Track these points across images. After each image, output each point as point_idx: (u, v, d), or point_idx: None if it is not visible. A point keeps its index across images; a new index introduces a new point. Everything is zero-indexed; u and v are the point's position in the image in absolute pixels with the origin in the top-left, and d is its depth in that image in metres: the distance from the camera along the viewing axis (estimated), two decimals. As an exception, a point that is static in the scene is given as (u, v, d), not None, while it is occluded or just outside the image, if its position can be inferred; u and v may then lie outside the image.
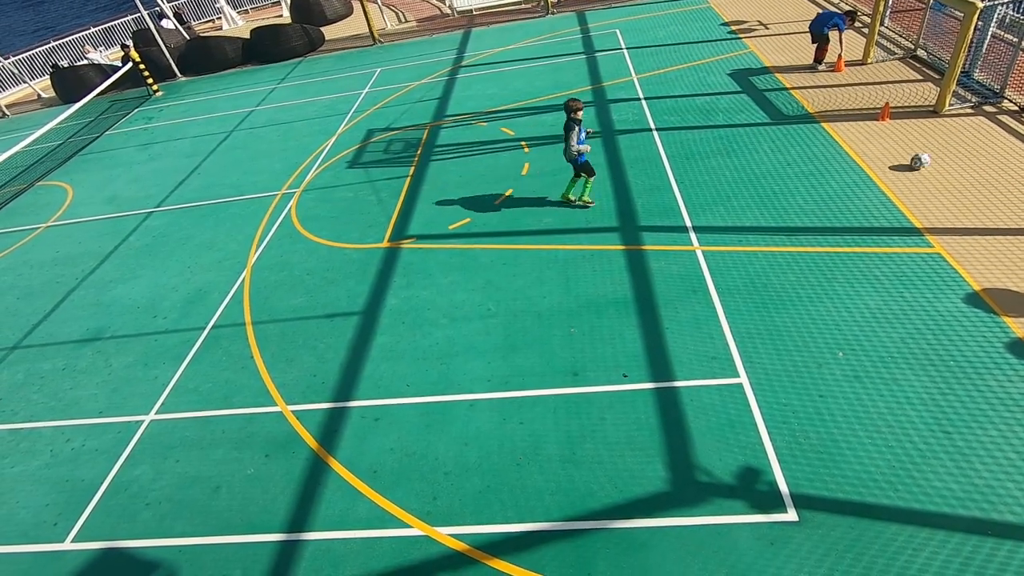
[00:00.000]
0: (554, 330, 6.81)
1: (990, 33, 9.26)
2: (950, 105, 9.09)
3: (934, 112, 9.15)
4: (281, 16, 24.76)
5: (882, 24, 11.81)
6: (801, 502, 4.76)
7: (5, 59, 21.77)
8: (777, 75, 11.25)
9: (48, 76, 20.81)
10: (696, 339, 6.32)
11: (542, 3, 18.25)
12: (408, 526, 5.20)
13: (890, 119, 9.24)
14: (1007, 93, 9.06)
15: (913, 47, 11.03)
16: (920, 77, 10.25)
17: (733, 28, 13.86)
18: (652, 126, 10.45)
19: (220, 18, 25.54)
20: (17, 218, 12.64)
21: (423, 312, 7.47)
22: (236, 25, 25.04)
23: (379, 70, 16.21)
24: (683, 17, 15.25)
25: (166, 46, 19.69)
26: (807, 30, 11.20)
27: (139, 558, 5.45)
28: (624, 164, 9.56)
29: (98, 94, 17.82)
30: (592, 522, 4.94)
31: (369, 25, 18.52)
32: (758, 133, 9.61)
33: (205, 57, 19.73)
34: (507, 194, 9.43)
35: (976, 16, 8.21)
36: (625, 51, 13.82)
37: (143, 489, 6.08)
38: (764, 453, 5.14)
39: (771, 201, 8.07)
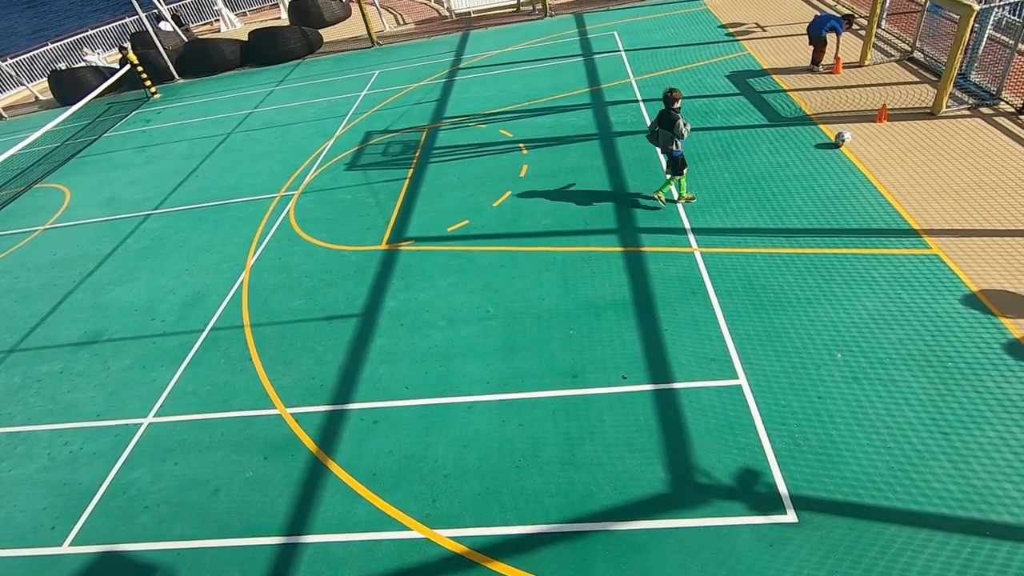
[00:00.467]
0: (553, 332, 6.81)
1: (987, 35, 9.30)
2: (947, 107, 9.12)
3: (931, 114, 9.18)
4: (279, 18, 24.77)
5: (879, 26, 11.85)
6: (800, 503, 4.77)
7: (2, 61, 21.73)
8: (775, 77, 11.28)
9: (46, 78, 20.79)
10: (695, 341, 6.33)
11: (535, 7, 18.30)
12: (407, 528, 5.19)
13: (887, 121, 9.27)
14: (1004, 95, 9.10)
15: (910, 49, 11.07)
16: (917, 79, 10.28)
17: (731, 30, 13.90)
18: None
19: (218, 20, 25.53)
20: (14, 221, 12.61)
21: (422, 314, 7.47)
22: (234, 27, 25.03)
23: (377, 72, 16.22)
24: (681, 20, 15.29)
25: (164, 48, 19.67)
26: (805, 32, 11.24)
27: (137, 561, 5.44)
28: (623, 166, 9.57)
29: (96, 96, 17.80)
30: (591, 524, 4.93)
31: (367, 27, 18.53)
32: (756, 135, 9.64)
33: (203, 59, 19.72)
34: (505, 196, 9.43)
35: (973, 18, 8.24)
36: (623, 53, 13.85)
37: (141, 492, 6.07)
38: (763, 454, 5.15)
39: (769, 203, 8.09)
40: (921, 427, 5.11)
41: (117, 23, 24.94)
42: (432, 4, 22.36)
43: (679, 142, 7.74)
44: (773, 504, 4.80)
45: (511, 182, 9.78)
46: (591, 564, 4.67)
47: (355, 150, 12.07)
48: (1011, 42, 8.80)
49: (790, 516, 4.70)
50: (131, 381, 7.51)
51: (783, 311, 6.45)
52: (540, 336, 6.80)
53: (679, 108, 7.67)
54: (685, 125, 7.64)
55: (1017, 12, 9.85)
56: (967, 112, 9.09)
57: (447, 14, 20.14)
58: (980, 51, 9.42)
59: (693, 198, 8.45)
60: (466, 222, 9.03)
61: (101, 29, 24.70)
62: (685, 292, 6.96)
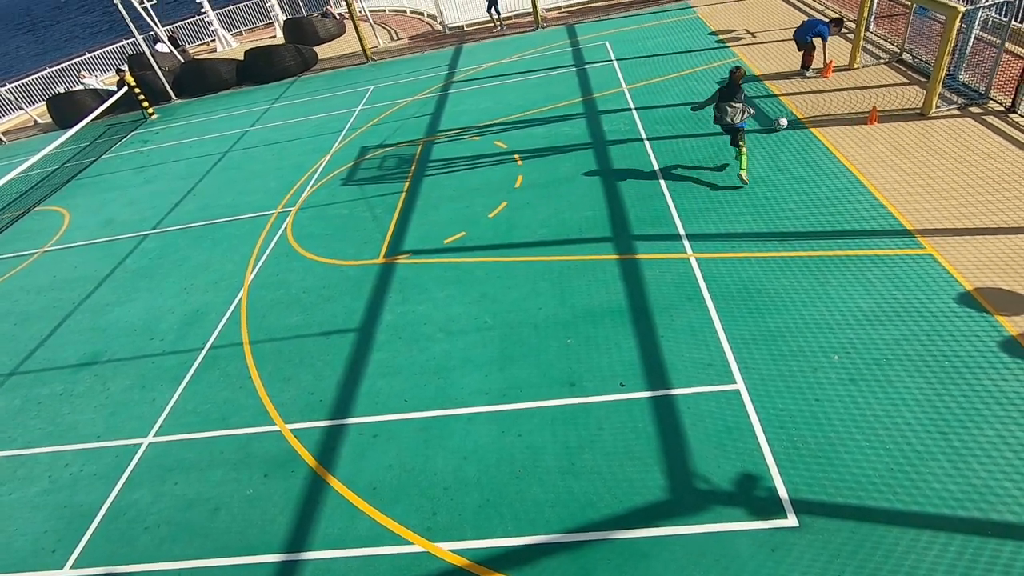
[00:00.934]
0: (550, 341, 6.82)
1: (973, 35, 9.38)
2: (936, 107, 9.19)
3: (921, 115, 9.24)
4: (274, 37, 25.02)
5: (867, 29, 11.96)
6: (801, 507, 4.75)
7: (1, 86, 21.94)
8: (765, 82, 11.37)
9: (44, 102, 20.98)
10: (692, 346, 6.34)
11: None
12: (408, 543, 5.17)
13: (878, 123, 9.33)
14: (992, 94, 9.17)
15: (898, 51, 11.17)
16: (906, 81, 10.37)
17: (721, 37, 14.03)
18: (643, 135, 10.54)
19: (214, 40, 25.79)
20: (14, 244, 12.68)
21: (419, 327, 7.49)
22: (230, 47, 25.28)
23: (372, 88, 16.36)
24: (671, 28, 15.44)
25: (161, 69, 19.87)
26: (791, 38, 11.34)
27: (138, 583, 5.42)
28: (616, 174, 9.63)
29: (94, 118, 17.95)
30: (592, 533, 4.92)
31: (362, 44, 18.72)
32: (748, 140, 9.68)
33: (200, 79, 19.92)
34: (501, 207, 9.48)
35: (958, 19, 8.32)
36: (615, 62, 13.97)
37: (142, 513, 6.06)
38: (763, 459, 5.14)
39: (763, 207, 8.13)
40: (920, 427, 5.10)
41: (114, 46, 25.21)
42: (425, 19, 22.58)
43: (746, 113, 8.35)
44: (774, 509, 4.79)
45: (506, 193, 9.84)
46: (593, 573, 4.65)
47: (351, 165, 12.15)
48: (998, 41, 8.88)
49: (791, 520, 4.69)
50: (131, 401, 7.52)
51: (779, 315, 6.46)
52: (537, 345, 6.81)
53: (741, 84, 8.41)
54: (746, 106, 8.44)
55: (1003, 12, 9.95)
56: (957, 112, 9.16)
57: (440, 28, 20.35)
58: (968, 51, 9.50)
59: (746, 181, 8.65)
60: (462, 234, 9.07)
61: (99, 52, 24.96)
62: (681, 298, 6.98)
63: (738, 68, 8.25)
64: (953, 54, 9.22)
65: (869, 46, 11.75)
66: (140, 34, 19.27)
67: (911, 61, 10.83)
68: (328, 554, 5.24)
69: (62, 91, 20.38)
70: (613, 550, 4.78)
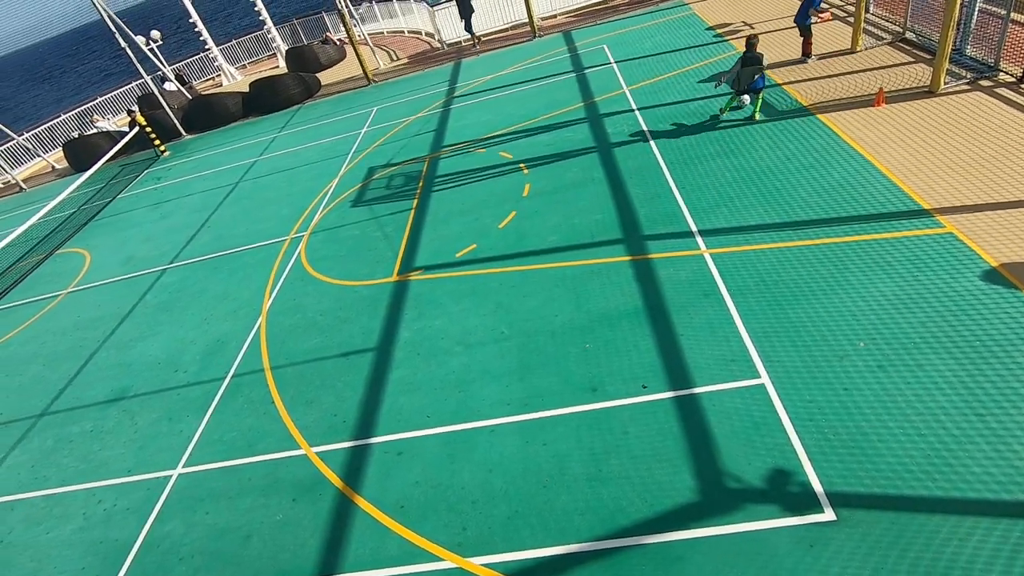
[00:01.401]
0: (569, 347, 6.78)
1: (977, 7, 9.22)
2: (945, 84, 9.03)
3: (930, 92, 9.09)
4: (278, 67, 25.49)
5: (867, 11, 11.83)
6: (838, 500, 4.64)
7: (19, 135, 22.61)
8: (768, 73, 11.27)
9: (60, 148, 21.57)
10: (712, 343, 6.26)
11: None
12: (440, 559, 5.14)
13: (885, 103, 9.20)
14: (1002, 65, 8.99)
15: (901, 30, 11.02)
16: (912, 59, 10.22)
17: (719, 31, 13.98)
18: (648, 135, 10.51)
19: (219, 75, 26.35)
20: (39, 287, 12.98)
21: (437, 341, 7.50)
22: (235, 80, 25.81)
23: (375, 109, 16.56)
24: (668, 27, 15.43)
25: (170, 107, 20.33)
26: (792, 25, 11.26)
27: (176, 614, 5.45)
28: (623, 175, 9.60)
29: (108, 160, 18.41)
30: (625, 539, 4.85)
31: (362, 66, 18.98)
32: (754, 131, 9.62)
33: (208, 114, 20.35)
34: (510, 217, 9.50)
35: (960, -7, 8.19)
36: (614, 65, 13.98)
37: (175, 544, 6.11)
38: (794, 453, 5.03)
39: (774, 197, 8.03)
40: (954, 411, 4.96)
41: (124, 88, 25.89)
42: (423, 38, 22.85)
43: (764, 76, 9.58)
44: (809, 503, 4.68)
45: (515, 202, 9.85)
46: (628, 581, 4.57)
47: (359, 186, 12.28)
48: (1003, 12, 8.72)
49: (828, 515, 4.57)
50: (159, 434, 7.61)
51: (799, 305, 6.36)
52: (556, 353, 6.77)
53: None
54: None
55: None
56: (966, 87, 8.99)
57: (439, 46, 20.56)
58: (973, 24, 9.33)
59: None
60: (474, 246, 9.09)
61: (110, 95, 25.65)
62: (698, 295, 6.90)
63: (755, 36, 9.38)
64: (958, 28, 9.07)
65: (871, 27, 11.61)
66: (148, 75, 19.77)
67: (915, 39, 10.67)
68: (361, 575, 5.22)
69: (76, 135, 20.95)
70: (646, 555, 4.70)
